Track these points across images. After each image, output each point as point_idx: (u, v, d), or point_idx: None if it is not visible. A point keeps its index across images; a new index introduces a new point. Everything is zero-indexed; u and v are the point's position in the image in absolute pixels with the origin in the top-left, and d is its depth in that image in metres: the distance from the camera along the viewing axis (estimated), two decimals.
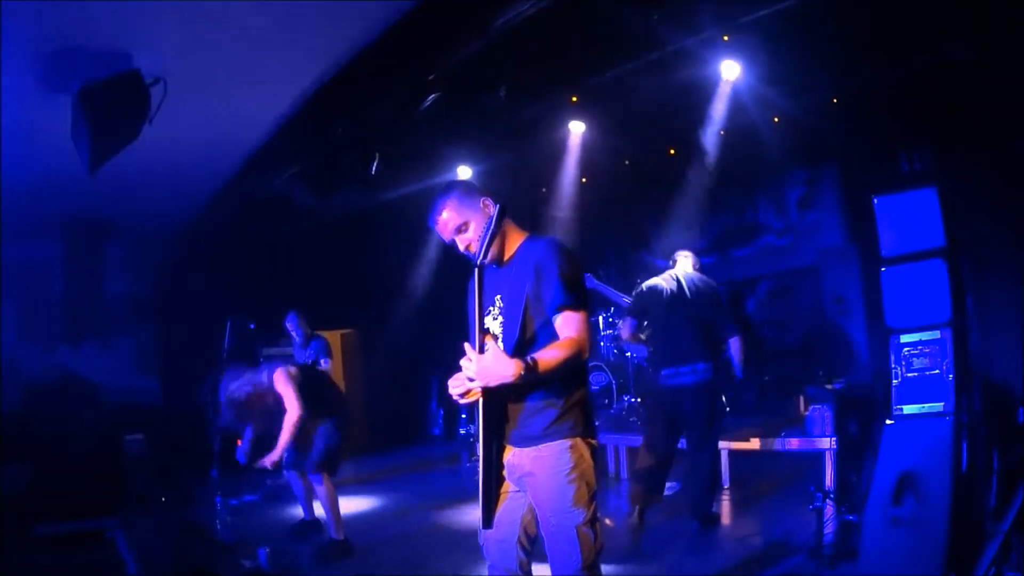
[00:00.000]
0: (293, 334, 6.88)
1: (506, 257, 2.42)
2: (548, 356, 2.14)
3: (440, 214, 2.41)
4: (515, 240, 2.43)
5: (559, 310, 2.22)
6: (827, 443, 4.88)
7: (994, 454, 3.36)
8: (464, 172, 7.53)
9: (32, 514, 5.56)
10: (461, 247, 2.42)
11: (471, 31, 4.60)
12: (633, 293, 5.03)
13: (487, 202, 2.43)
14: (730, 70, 5.65)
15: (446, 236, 2.44)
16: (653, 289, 4.89)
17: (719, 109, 6.32)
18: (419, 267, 9.17)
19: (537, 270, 2.29)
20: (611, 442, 6.60)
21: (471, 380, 2.14)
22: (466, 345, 2.14)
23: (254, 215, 7.94)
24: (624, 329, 5.11)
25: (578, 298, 2.24)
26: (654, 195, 8.97)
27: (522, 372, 2.06)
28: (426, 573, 4.38)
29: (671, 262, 5.08)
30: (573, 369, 2.28)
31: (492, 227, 2.24)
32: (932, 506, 3.06)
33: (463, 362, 2.12)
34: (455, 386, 2.23)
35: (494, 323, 2.37)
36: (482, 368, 2.08)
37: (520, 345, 2.27)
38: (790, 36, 5.06)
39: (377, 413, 9.65)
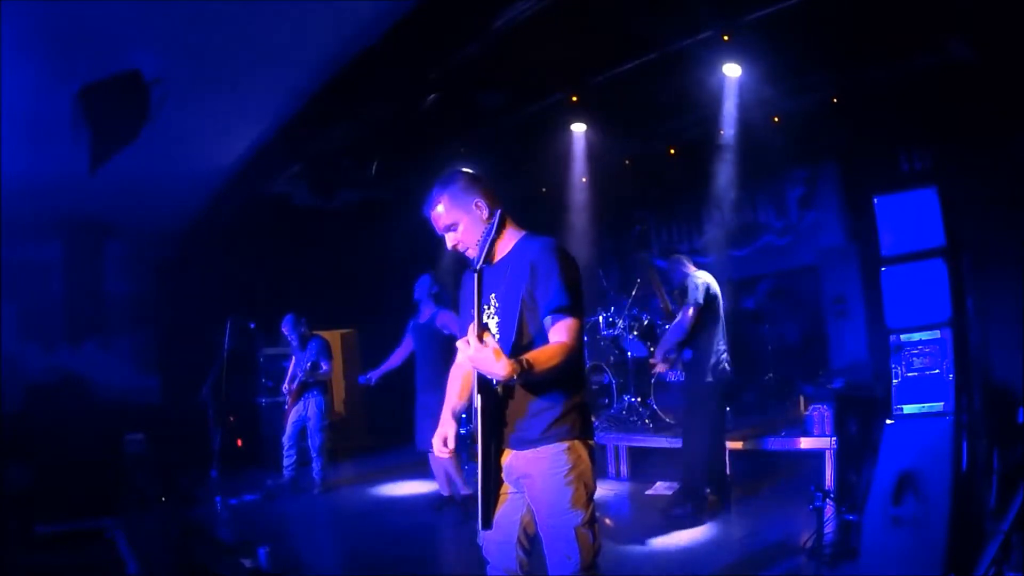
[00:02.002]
0: (288, 337, 6.88)
1: (501, 255, 2.41)
2: (539, 360, 2.12)
3: (434, 207, 2.42)
4: (511, 238, 2.42)
5: (552, 314, 2.21)
6: (827, 443, 4.89)
7: (994, 454, 3.36)
8: (463, 164, 7.52)
9: (32, 514, 5.56)
10: (449, 244, 2.44)
11: (471, 31, 4.60)
12: (696, 284, 5.02)
13: (480, 203, 2.39)
14: (731, 71, 5.65)
15: (438, 229, 2.45)
16: (709, 286, 5.07)
17: (719, 109, 6.32)
18: (419, 267, 9.16)
19: (533, 271, 2.28)
20: (611, 442, 6.60)
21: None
22: (470, 328, 2.10)
23: (254, 215, 7.94)
24: (691, 316, 4.99)
25: (572, 303, 2.22)
26: (654, 195, 8.97)
27: (515, 375, 2.04)
28: (426, 573, 4.38)
29: (683, 264, 5.30)
30: (568, 372, 2.27)
31: (492, 234, 2.23)
32: (932, 506, 3.06)
33: (460, 344, 2.09)
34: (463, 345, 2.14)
35: (490, 322, 2.37)
36: (477, 356, 2.05)
37: (517, 346, 2.27)
38: (790, 36, 5.06)
39: (377, 413, 9.64)
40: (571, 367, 2.24)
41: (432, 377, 5.40)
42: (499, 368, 2.03)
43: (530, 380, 2.13)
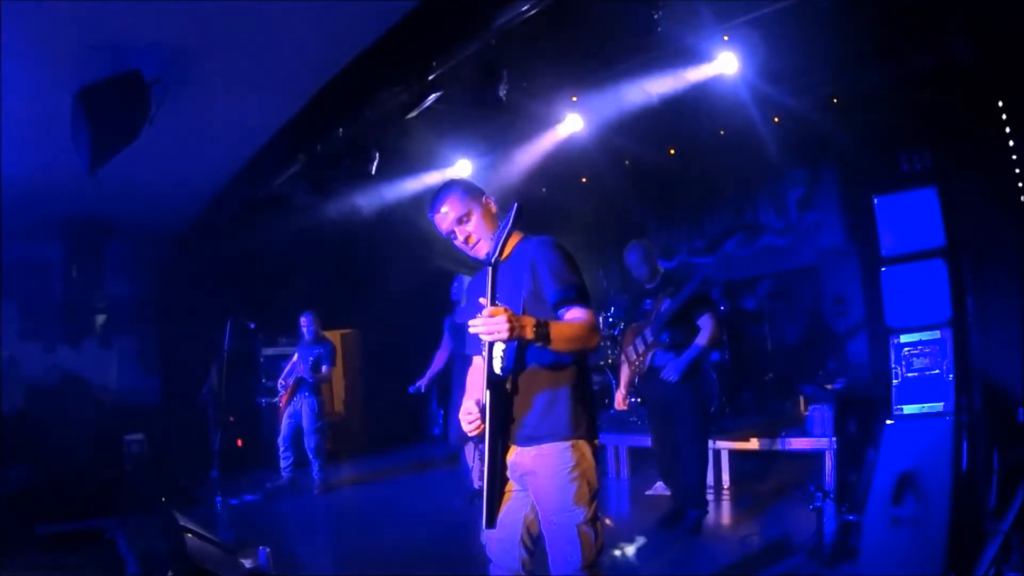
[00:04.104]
0: (304, 330, 6.85)
1: (503, 257, 2.41)
2: (558, 325, 2.15)
3: (441, 206, 2.42)
4: (512, 239, 2.42)
5: (564, 305, 2.24)
6: (827, 443, 4.89)
7: (994, 454, 3.36)
8: (464, 166, 7.53)
9: (32, 514, 5.56)
10: (460, 238, 2.42)
11: (471, 31, 4.60)
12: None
13: (488, 199, 2.46)
14: (728, 63, 5.60)
15: (445, 227, 2.44)
16: None
17: (719, 108, 6.32)
18: (419, 266, 9.16)
19: (534, 270, 2.30)
20: (611, 442, 6.60)
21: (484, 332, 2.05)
22: (482, 299, 2.11)
23: (254, 215, 7.94)
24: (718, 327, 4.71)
25: (579, 292, 2.26)
26: (654, 195, 8.97)
27: (536, 329, 2.04)
28: (427, 573, 4.38)
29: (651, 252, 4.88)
30: (575, 368, 2.30)
31: (509, 226, 2.22)
32: (932, 506, 3.06)
33: (472, 323, 2.07)
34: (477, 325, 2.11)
35: None
36: (493, 323, 2.00)
37: (519, 346, 2.27)
38: (790, 35, 5.05)
39: (377, 413, 9.65)
40: (588, 346, 2.26)
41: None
42: (518, 325, 2.01)
43: (552, 343, 2.10)
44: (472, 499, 5.59)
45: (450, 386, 5.78)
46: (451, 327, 5.89)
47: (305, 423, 6.72)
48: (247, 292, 7.99)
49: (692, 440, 4.60)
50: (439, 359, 6.10)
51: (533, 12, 4.24)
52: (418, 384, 6.18)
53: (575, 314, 2.23)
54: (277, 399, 7.01)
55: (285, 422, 6.78)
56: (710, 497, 5.45)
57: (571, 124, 6.73)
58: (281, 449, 6.83)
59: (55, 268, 7.96)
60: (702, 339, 4.51)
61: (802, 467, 5.50)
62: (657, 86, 5.81)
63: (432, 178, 7.44)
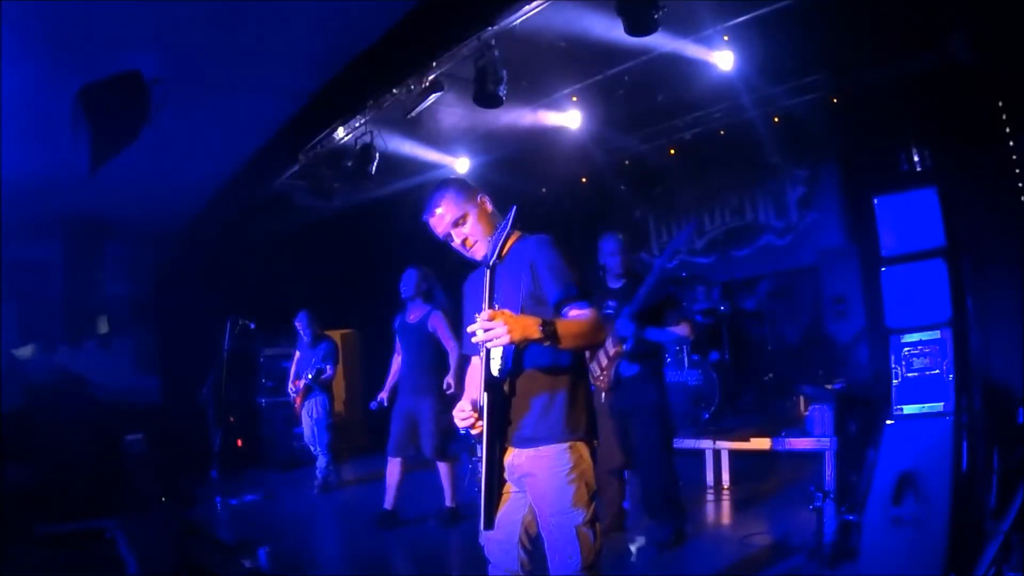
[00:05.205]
0: (301, 333, 6.86)
1: (500, 256, 2.40)
2: (567, 322, 2.14)
3: (436, 208, 2.39)
4: (510, 239, 2.41)
5: (567, 304, 2.22)
6: (827, 443, 4.89)
7: (994, 454, 3.35)
8: (463, 163, 7.52)
9: (32, 514, 5.56)
10: (457, 241, 2.40)
11: (471, 31, 4.60)
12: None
13: (484, 199, 2.43)
14: (726, 61, 5.57)
15: (441, 230, 2.41)
16: None
17: (719, 108, 6.32)
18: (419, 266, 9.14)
19: (533, 270, 2.28)
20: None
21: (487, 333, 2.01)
22: (484, 305, 2.10)
23: (254, 215, 7.94)
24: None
25: (581, 290, 2.25)
26: (654, 195, 8.97)
27: (541, 328, 2.02)
28: (427, 573, 4.38)
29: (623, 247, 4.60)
30: (573, 371, 2.29)
31: (508, 228, 2.21)
32: (932, 506, 3.06)
33: (471, 328, 2.05)
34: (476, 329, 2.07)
35: None
36: (490, 324, 1.98)
37: (518, 346, 2.25)
38: (790, 35, 5.06)
39: (377, 413, 9.63)
40: (595, 343, 2.27)
41: (417, 382, 5.17)
42: (519, 327, 1.99)
43: (559, 343, 2.09)
44: (383, 522, 5.24)
45: (397, 390, 5.40)
46: (401, 327, 5.42)
47: (317, 420, 6.77)
48: (247, 292, 7.98)
49: (658, 450, 4.23)
50: (396, 365, 5.66)
51: (533, 12, 4.24)
52: (379, 399, 5.71)
53: (578, 312, 2.21)
54: (292, 399, 7.04)
55: (304, 422, 6.88)
56: (710, 497, 5.46)
57: (570, 122, 6.73)
58: (312, 449, 6.94)
59: (55, 268, 7.96)
60: (666, 335, 4.21)
61: (802, 467, 5.49)
62: (657, 86, 5.82)
63: (431, 177, 7.45)
